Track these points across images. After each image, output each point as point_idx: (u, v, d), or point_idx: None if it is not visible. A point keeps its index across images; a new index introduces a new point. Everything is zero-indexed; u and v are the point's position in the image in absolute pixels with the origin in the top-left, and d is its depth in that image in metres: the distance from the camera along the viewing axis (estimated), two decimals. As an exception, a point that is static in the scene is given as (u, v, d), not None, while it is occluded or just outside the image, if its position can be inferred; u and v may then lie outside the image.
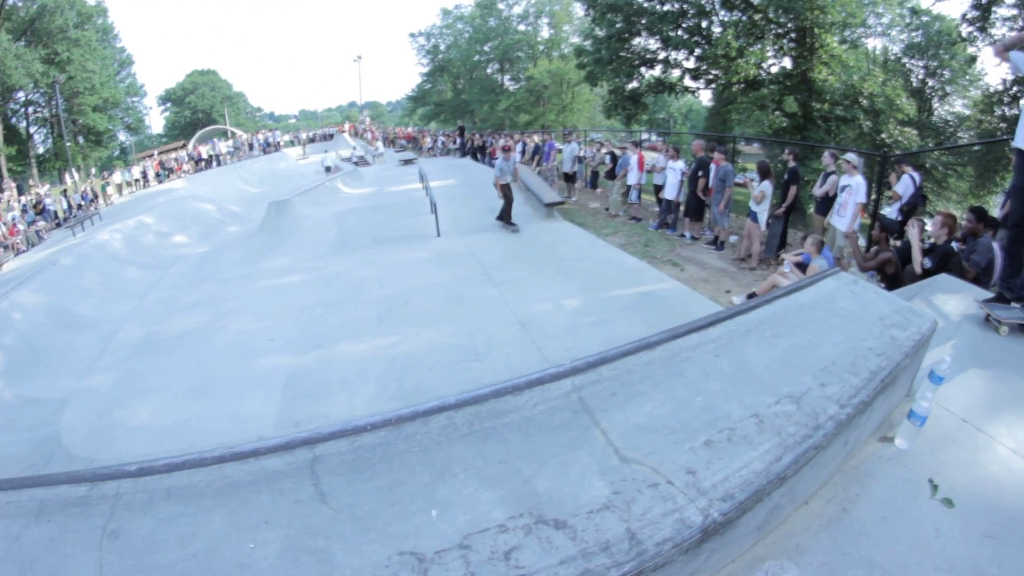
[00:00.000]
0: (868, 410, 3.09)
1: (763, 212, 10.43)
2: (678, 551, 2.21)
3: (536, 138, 24.86)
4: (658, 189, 14.09)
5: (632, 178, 14.61)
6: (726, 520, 2.34)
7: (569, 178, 19.22)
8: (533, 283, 9.83)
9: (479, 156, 30.34)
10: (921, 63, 36.33)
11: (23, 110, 47.71)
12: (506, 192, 13.97)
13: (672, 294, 8.70)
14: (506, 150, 14.70)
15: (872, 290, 4.20)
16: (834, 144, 23.61)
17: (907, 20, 35.25)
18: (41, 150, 50.25)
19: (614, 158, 16.27)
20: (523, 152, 22.65)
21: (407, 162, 31.89)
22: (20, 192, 30.24)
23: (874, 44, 36.12)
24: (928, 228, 7.54)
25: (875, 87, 27.88)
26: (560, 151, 21.14)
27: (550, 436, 2.77)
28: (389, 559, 2.22)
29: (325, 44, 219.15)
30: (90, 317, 13.00)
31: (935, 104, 36.12)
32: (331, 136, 47.61)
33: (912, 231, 7.20)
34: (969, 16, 24.79)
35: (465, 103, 60.51)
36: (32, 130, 49.20)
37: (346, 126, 53.41)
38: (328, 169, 31.05)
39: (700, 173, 12.08)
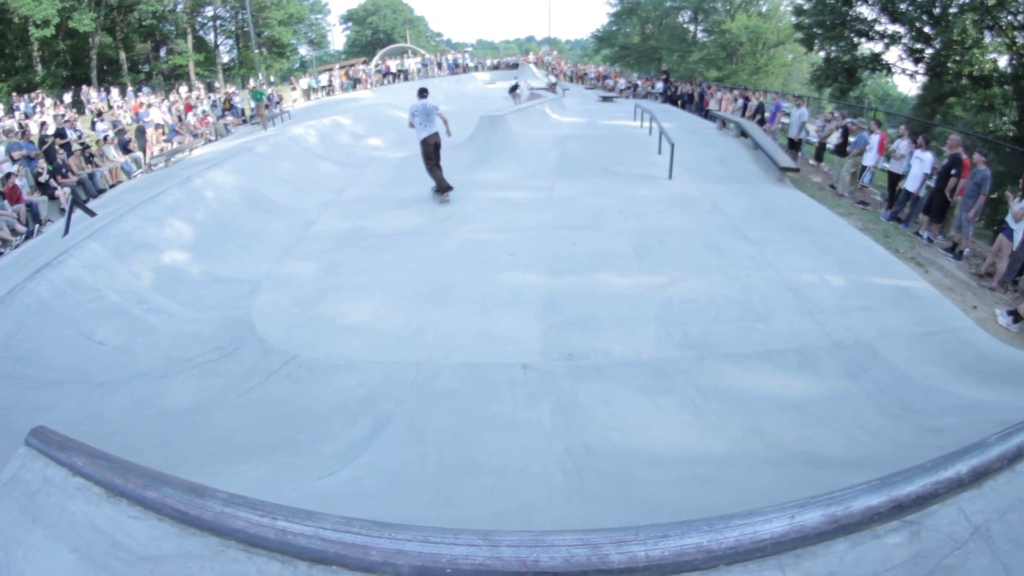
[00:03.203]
0: None
1: (1020, 231, 9.31)
2: None
3: (761, 95, 23.08)
4: (893, 177, 12.83)
5: (869, 159, 13.54)
6: None
7: (794, 145, 17.70)
8: (788, 248, 9.14)
9: (682, 104, 28.61)
10: None
11: (211, 23, 52.23)
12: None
13: (926, 295, 7.98)
14: (422, 92, 11.88)
15: None
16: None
17: None
18: (226, 59, 54.39)
19: (846, 133, 15.04)
20: (744, 109, 21.44)
21: (606, 99, 30.58)
22: (210, 90, 31.33)
23: None
24: None
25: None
26: (787, 114, 19.72)
27: None
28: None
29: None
30: (284, 204, 12.35)
31: None
32: (516, 65, 46.66)
33: None
34: None
35: (653, 49, 57.45)
36: (219, 41, 53.61)
37: (531, 56, 51.99)
38: (517, 96, 29.73)
39: (952, 171, 10.89)
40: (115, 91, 29.55)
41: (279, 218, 11.53)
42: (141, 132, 18.92)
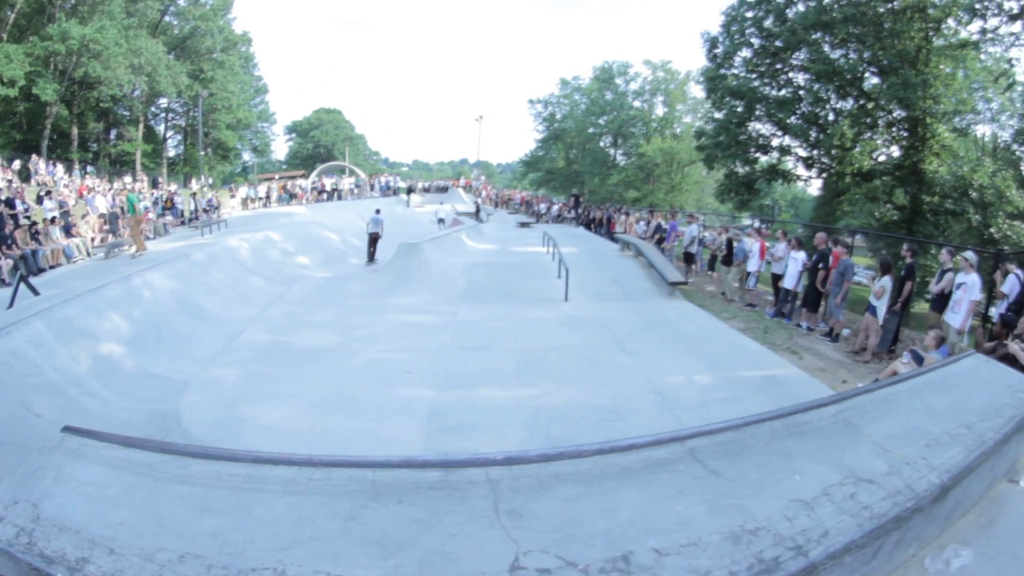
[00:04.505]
0: (1008, 442, 4.32)
1: (882, 307, 10.68)
2: (929, 499, 3.55)
3: (660, 216, 25.35)
4: (776, 278, 14.26)
5: (752, 265, 14.88)
6: (948, 485, 3.69)
7: (689, 259, 19.35)
8: (664, 356, 10.17)
9: (594, 228, 30.55)
10: (1032, 150, 32.79)
11: (163, 115, 53.94)
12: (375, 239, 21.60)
13: (794, 380, 8.93)
14: (377, 211, 23.02)
15: (1002, 367, 5.57)
16: (942, 239, 22.94)
17: (1017, 105, 32.04)
18: (172, 154, 55.43)
19: (730, 244, 16.48)
20: (646, 228, 23.29)
21: (524, 225, 32.82)
22: (154, 185, 32.29)
23: (983, 131, 33.95)
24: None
25: (984, 178, 25.66)
26: (681, 233, 21.24)
27: (836, 439, 4.19)
28: (786, 505, 3.40)
29: (444, 100, 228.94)
30: (214, 313, 13.53)
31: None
32: (446, 189, 49.50)
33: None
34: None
35: (576, 173, 61.76)
36: (168, 134, 55.06)
37: (461, 181, 55.18)
38: (441, 221, 31.91)
39: (820, 265, 12.32)
40: (60, 167, 30.41)
41: (209, 326, 12.61)
42: (115, 217, 19.39)
